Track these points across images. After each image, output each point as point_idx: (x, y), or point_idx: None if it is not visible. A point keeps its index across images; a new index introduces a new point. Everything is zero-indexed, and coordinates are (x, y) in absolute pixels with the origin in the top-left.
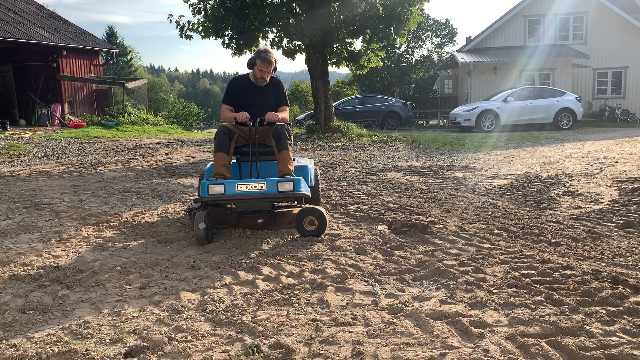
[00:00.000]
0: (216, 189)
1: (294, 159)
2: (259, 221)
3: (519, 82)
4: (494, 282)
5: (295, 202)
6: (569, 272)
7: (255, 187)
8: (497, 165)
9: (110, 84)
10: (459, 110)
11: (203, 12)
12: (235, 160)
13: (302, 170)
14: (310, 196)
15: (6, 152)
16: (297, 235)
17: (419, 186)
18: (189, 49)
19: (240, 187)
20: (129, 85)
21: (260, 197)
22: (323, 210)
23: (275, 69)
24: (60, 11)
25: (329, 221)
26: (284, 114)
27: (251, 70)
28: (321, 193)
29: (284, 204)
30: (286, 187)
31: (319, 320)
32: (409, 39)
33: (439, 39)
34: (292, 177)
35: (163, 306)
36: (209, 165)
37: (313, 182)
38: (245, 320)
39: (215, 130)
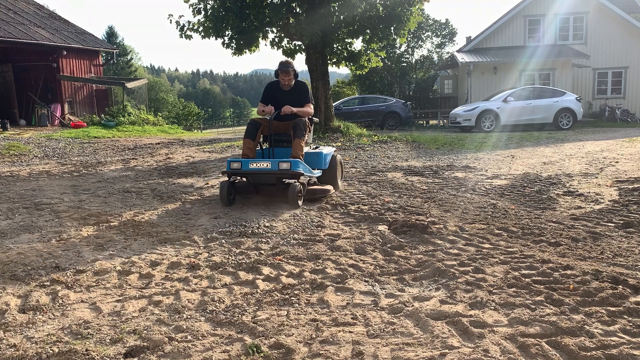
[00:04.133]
0: (235, 165)
1: (316, 147)
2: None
3: (519, 82)
4: (494, 282)
5: (294, 179)
6: (569, 272)
7: (262, 165)
8: (497, 165)
9: (110, 84)
10: (459, 110)
11: (203, 12)
12: (267, 146)
13: (317, 156)
14: (307, 175)
15: (6, 152)
16: (298, 234)
17: (419, 186)
18: (189, 49)
19: (252, 165)
20: (129, 85)
21: (266, 173)
22: (300, 187)
23: (296, 75)
24: (60, 11)
25: (301, 198)
26: (306, 109)
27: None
28: (341, 176)
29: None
30: (284, 166)
31: (319, 320)
32: (409, 39)
33: (439, 39)
34: (291, 159)
35: (163, 306)
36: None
37: (326, 166)
38: (245, 320)
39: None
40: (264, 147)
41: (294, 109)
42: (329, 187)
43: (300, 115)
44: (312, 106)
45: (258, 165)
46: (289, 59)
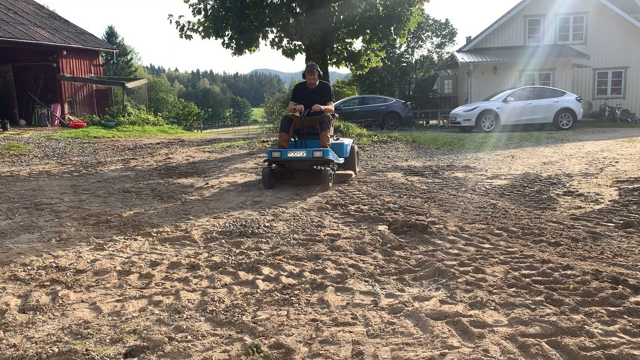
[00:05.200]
0: (276, 154)
1: (337, 139)
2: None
3: (519, 82)
4: (494, 282)
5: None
6: (569, 272)
7: (299, 153)
8: (497, 165)
9: (110, 84)
10: (459, 110)
11: (203, 12)
12: (297, 137)
13: (339, 146)
14: (335, 161)
15: (6, 152)
16: (298, 234)
17: (419, 186)
18: (189, 49)
19: (290, 154)
20: (129, 85)
21: (302, 160)
22: (331, 172)
23: (320, 75)
24: (60, 11)
25: (331, 183)
26: (329, 106)
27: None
28: (358, 163)
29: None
30: (317, 154)
31: (319, 320)
32: (409, 39)
33: (439, 39)
34: (322, 148)
35: (163, 306)
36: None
37: (348, 154)
38: (245, 320)
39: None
40: (295, 139)
41: (322, 107)
42: (351, 172)
43: (325, 112)
44: (333, 103)
45: (295, 154)
46: (314, 62)
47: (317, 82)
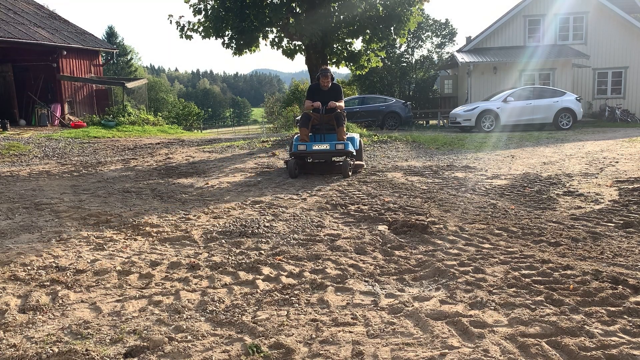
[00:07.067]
0: (301, 147)
1: (346, 133)
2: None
3: (519, 82)
4: (494, 282)
5: (345, 156)
6: (569, 272)
7: (322, 146)
8: (497, 165)
9: (110, 84)
10: (459, 110)
11: (203, 12)
12: (311, 133)
13: (352, 139)
14: (355, 154)
15: (6, 152)
16: (298, 234)
17: (419, 186)
18: (189, 49)
19: (315, 147)
20: (129, 85)
21: (325, 152)
22: (351, 162)
23: (333, 78)
24: (60, 11)
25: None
26: (341, 103)
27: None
28: (364, 155)
29: (339, 158)
30: (340, 147)
31: (319, 320)
32: (409, 39)
33: (439, 39)
34: (343, 142)
35: (163, 306)
36: (295, 136)
37: (357, 147)
38: (245, 320)
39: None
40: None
41: (337, 103)
42: (362, 162)
43: (338, 108)
44: (343, 102)
45: (319, 147)
46: (327, 67)
47: (330, 84)
